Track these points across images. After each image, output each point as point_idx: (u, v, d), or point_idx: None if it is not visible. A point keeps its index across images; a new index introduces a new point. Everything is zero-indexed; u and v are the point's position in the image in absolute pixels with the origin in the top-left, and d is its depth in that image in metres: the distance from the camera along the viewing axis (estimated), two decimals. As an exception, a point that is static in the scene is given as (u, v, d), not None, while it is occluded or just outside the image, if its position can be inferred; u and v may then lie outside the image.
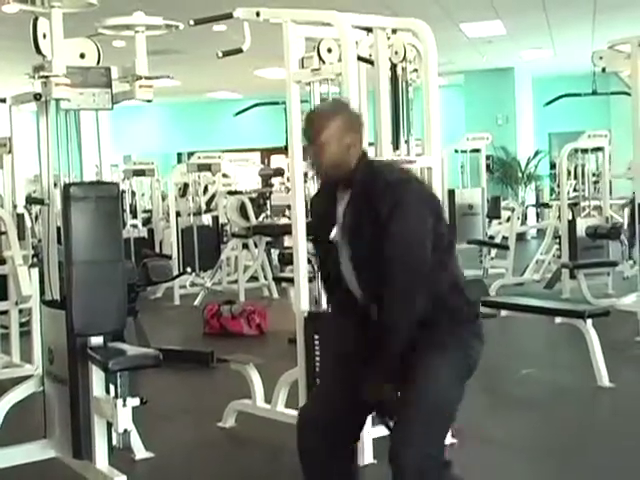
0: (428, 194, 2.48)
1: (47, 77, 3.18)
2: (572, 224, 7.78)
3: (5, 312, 5.38)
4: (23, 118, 3.88)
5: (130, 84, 3.41)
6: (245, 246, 8.92)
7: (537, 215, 15.03)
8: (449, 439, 2.40)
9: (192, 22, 3.82)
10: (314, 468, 2.52)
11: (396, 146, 4.07)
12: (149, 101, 3.38)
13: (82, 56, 3.39)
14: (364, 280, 2.42)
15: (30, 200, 4.82)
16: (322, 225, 2.51)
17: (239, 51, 3.86)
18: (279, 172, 11.21)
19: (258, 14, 3.70)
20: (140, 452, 3.76)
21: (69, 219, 3.25)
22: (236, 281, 8.67)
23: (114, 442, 3.33)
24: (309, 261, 4.05)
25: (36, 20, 3.32)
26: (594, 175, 9.60)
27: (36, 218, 8.15)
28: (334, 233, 2.46)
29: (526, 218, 13.66)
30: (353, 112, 2.50)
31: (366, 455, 3.49)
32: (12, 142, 3.95)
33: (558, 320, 4.96)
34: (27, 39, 3.40)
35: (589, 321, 4.78)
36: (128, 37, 3.49)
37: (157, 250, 9.24)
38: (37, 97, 3.29)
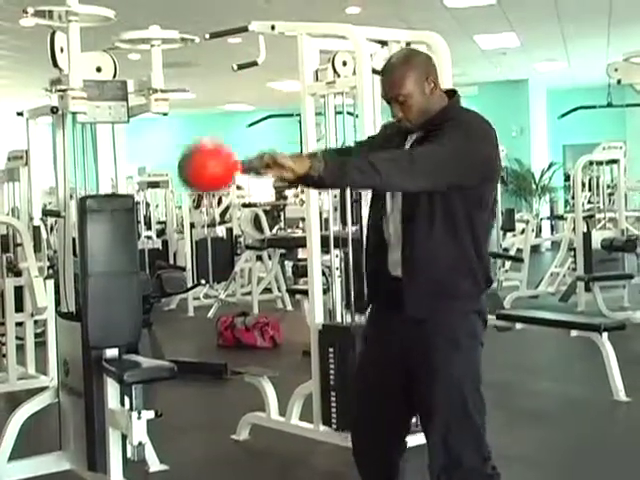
0: (498, 157, 2.44)
1: (64, 91, 3.20)
2: (587, 236, 7.74)
3: (21, 324, 5.39)
4: (39, 130, 3.91)
5: (146, 97, 3.43)
6: (259, 258, 8.92)
7: (551, 227, 14.97)
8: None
9: (207, 36, 3.84)
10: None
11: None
12: (165, 114, 3.39)
13: (99, 70, 3.41)
14: (410, 234, 2.38)
15: (46, 212, 4.83)
16: (382, 145, 2.47)
17: (254, 64, 3.88)
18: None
19: (273, 27, 3.72)
20: (154, 465, 3.76)
21: (85, 231, 3.27)
22: (250, 293, 8.67)
23: (129, 454, 3.33)
24: (323, 273, 4.05)
25: (53, 34, 3.35)
26: (609, 187, 9.56)
27: (51, 230, 8.19)
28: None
29: (540, 230, 13.61)
30: (426, 56, 2.49)
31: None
32: (29, 155, 3.97)
33: (574, 333, 4.93)
34: (44, 52, 3.43)
35: (605, 334, 4.75)
36: (143, 50, 3.51)
37: (171, 262, 9.25)
38: (54, 110, 3.31)
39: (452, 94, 2.46)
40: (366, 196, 3.49)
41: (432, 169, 2.27)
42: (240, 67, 3.91)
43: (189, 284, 7.92)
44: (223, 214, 9.94)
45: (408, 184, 2.28)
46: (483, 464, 2.39)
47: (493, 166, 2.43)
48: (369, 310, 2.66)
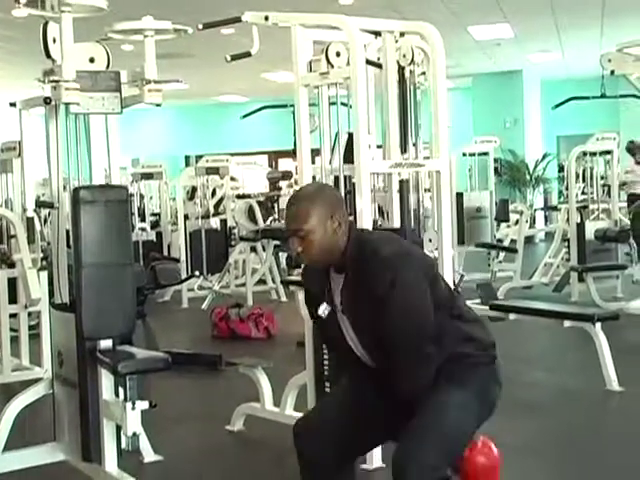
0: (419, 259, 2.44)
1: (57, 81, 3.19)
2: (581, 227, 7.76)
3: (14, 315, 5.39)
4: (32, 121, 3.90)
5: (139, 88, 3.42)
6: (253, 249, 8.92)
7: (545, 218, 14.99)
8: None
9: (201, 26, 3.84)
10: (314, 473, 2.51)
11: (404, 149, 4.07)
12: (158, 105, 3.39)
13: (92, 60, 3.41)
14: (373, 355, 2.42)
15: (39, 203, 4.82)
16: (315, 304, 2.49)
17: (247, 55, 3.87)
18: (287, 175, 11.21)
19: (267, 18, 3.71)
20: (149, 455, 3.77)
21: (78, 222, 3.26)
22: (244, 284, 8.68)
23: (123, 445, 3.34)
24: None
25: (46, 25, 3.34)
26: (602, 178, 9.57)
27: (45, 221, 8.17)
28: (322, 309, 2.45)
29: (534, 221, 13.63)
30: (331, 192, 2.50)
31: (375, 459, 3.49)
32: (22, 146, 3.96)
33: (567, 324, 4.95)
34: (36, 43, 3.41)
35: (598, 325, 4.77)
36: (136, 41, 3.50)
37: (165, 253, 9.25)
38: (47, 101, 3.30)
39: (350, 231, 2.42)
40: (359, 187, 3.50)
41: (419, 348, 2.31)
42: (233, 58, 3.90)
43: (183, 275, 7.92)
44: (217, 205, 9.93)
45: (432, 365, 2.34)
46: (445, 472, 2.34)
47: (433, 270, 2.44)
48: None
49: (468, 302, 5.76)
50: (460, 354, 2.39)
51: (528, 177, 15.05)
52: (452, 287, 2.56)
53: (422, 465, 2.25)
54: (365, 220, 3.46)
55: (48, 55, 3.35)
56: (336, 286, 2.42)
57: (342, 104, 4.01)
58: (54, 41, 3.33)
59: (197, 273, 8.33)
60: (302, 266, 2.63)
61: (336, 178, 3.94)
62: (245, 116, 13.32)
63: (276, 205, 10.52)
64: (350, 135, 3.72)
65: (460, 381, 2.37)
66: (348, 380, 2.61)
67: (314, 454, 2.47)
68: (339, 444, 2.46)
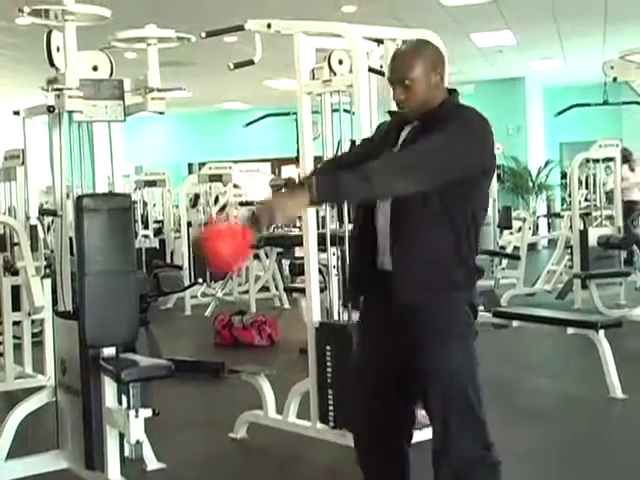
0: (493, 157, 2.46)
1: (60, 90, 3.21)
2: (584, 234, 7.75)
3: (18, 323, 5.39)
4: (36, 129, 3.91)
5: (142, 96, 3.43)
6: (256, 257, 8.92)
7: (548, 225, 14.99)
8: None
9: (204, 34, 3.84)
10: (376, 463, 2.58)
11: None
12: (161, 113, 3.40)
13: (95, 68, 3.41)
14: (400, 223, 2.39)
15: (43, 211, 4.84)
16: (378, 144, 2.50)
17: (250, 63, 3.88)
18: (289, 183, 11.20)
19: (269, 26, 3.72)
20: (152, 463, 3.76)
21: (82, 230, 3.27)
22: (247, 291, 8.68)
23: (126, 453, 3.35)
24: (320, 272, 4.06)
25: (50, 33, 3.35)
26: (605, 184, 9.57)
27: (48, 229, 8.18)
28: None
29: (537, 228, 13.63)
30: (437, 50, 2.52)
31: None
32: (25, 154, 3.97)
33: (570, 331, 4.94)
34: (39, 51, 3.43)
35: (601, 332, 4.76)
36: (139, 49, 3.51)
37: (168, 260, 9.26)
38: (51, 109, 3.31)
39: (452, 92, 2.49)
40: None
41: (428, 170, 2.29)
42: (236, 66, 3.91)
43: (186, 283, 7.93)
44: (220, 213, 9.94)
45: (406, 187, 2.29)
46: (484, 453, 2.40)
47: (488, 162, 2.45)
48: (360, 308, 2.67)
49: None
50: (447, 274, 2.40)
51: (531, 184, 15.05)
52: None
53: (457, 456, 2.36)
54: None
55: (52, 63, 3.37)
56: (404, 134, 2.46)
57: (345, 111, 4.02)
58: (58, 50, 3.34)
59: (200, 280, 8.34)
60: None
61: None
62: (248, 124, 13.35)
63: (279, 212, 10.50)
64: (353, 142, 3.72)
65: (450, 334, 2.39)
66: (361, 348, 2.63)
67: (377, 464, 2.56)
68: (388, 440, 2.53)
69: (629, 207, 9.99)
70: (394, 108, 2.54)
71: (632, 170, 10.52)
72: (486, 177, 2.45)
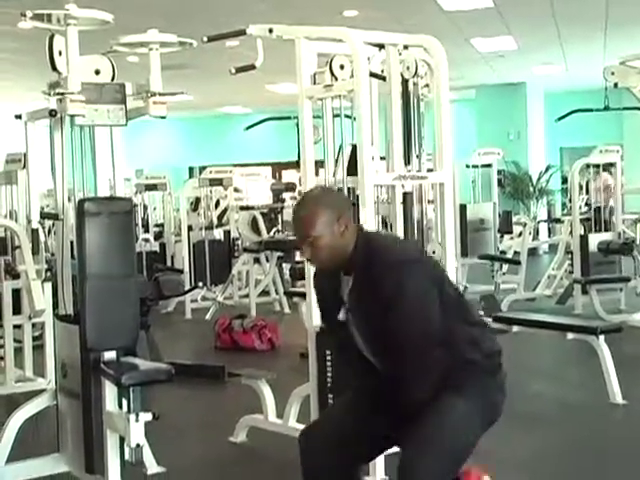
0: (427, 263, 2.45)
1: (63, 94, 3.21)
2: (584, 239, 7.75)
3: (19, 326, 5.40)
4: (37, 133, 3.91)
5: (144, 100, 3.44)
6: (256, 260, 8.93)
7: (549, 230, 14.98)
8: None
9: (205, 39, 3.85)
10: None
11: (407, 161, 4.08)
12: (163, 117, 3.40)
13: (97, 73, 3.42)
14: (378, 358, 2.42)
15: (44, 215, 4.84)
16: (329, 307, 2.51)
17: (252, 67, 3.89)
18: (291, 187, 11.24)
19: (271, 31, 3.73)
20: (152, 467, 3.77)
21: (83, 234, 3.27)
22: (247, 295, 8.68)
23: (126, 457, 3.34)
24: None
25: (52, 37, 3.36)
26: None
27: (49, 232, 8.19)
28: (341, 315, 2.45)
29: (538, 233, 13.63)
30: (336, 195, 2.52)
31: (378, 471, 3.48)
32: (27, 158, 3.98)
33: (570, 336, 4.94)
34: (41, 55, 3.44)
35: (602, 337, 4.76)
36: (141, 53, 3.52)
37: (169, 264, 9.26)
38: (52, 113, 3.32)
39: (358, 233, 2.43)
40: (362, 199, 3.51)
41: (421, 355, 2.31)
42: (238, 70, 3.91)
43: (187, 287, 7.94)
44: (221, 217, 9.95)
45: (434, 372, 2.34)
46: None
47: (441, 276, 2.45)
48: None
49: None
50: (466, 360, 2.38)
51: (531, 189, 15.05)
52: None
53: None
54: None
55: (54, 67, 3.38)
56: (345, 288, 2.43)
57: (346, 116, 4.02)
58: (60, 54, 3.35)
59: (200, 284, 8.35)
60: (312, 272, 2.65)
61: (339, 190, 3.95)
62: (249, 128, 13.37)
63: (280, 216, 10.54)
64: (354, 147, 3.73)
65: (464, 390, 2.36)
66: (352, 388, 2.61)
67: (318, 463, 2.48)
68: (343, 452, 2.46)
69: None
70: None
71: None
72: (438, 284, 2.40)
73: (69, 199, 3.56)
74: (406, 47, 3.98)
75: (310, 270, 3.83)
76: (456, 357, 2.37)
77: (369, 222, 3.48)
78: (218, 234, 9.27)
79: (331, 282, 2.47)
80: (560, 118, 11.67)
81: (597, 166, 8.47)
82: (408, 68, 4.14)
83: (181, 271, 8.47)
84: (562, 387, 5.29)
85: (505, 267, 9.04)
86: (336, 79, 3.91)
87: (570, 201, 8.91)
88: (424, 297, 2.32)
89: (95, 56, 3.47)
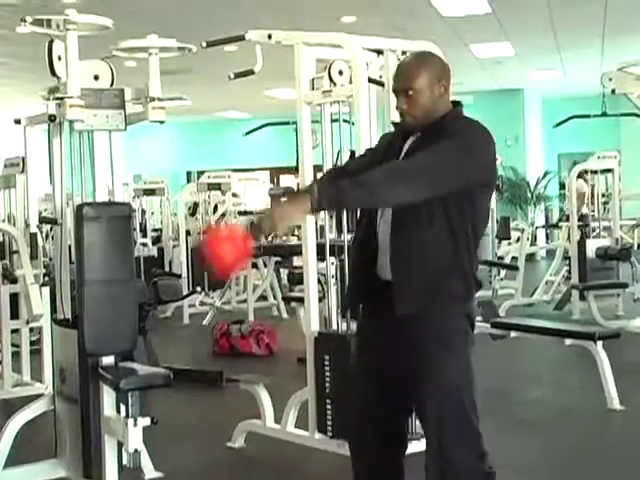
0: (494, 164, 2.48)
1: (62, 99, 3.22)
2: (582, 245, 7.76)
3: (16, 331, 5.39)
4: (36, 137, 3.92)
5: (143, 105, 3.44)
6: (254, 266, 8.92)
7: (546, 236, 15.00)
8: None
9: (204, 44, 3.86)
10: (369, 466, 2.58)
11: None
12: (162, 122, 3.41)
13: (96, 78, 3.43)
14: (401, 232, 2.39)
15: (43, 219, 4.84)
16: (382, 155, 2.50)
17: (251, 73, 3.90)
18: (289, 192, 11.23)
19: (270, 37, 3.74)
20: (150, 472, 3.76)
21: (81, 239, 3.27)
22: (245, 300, 8.67)
23: (124, 462, 3.33)
24: (319, 281, 4.06)
25: (51, 42, 3.37)
26: (603, 196, 9.60)
27: (47, 237, 8.18)
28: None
29: (535, 239, 13.65)
30: (442, 62, 2.52)
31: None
32: (26, 162, 3.98)
33: (568, 342, 4.94)
34: (40, 60, 3.44)
35: (600, 343, 4.77)
36: (139, 58, 3.53)
37: (167, 269, 9.26)
38: (52, 118, 3.32)
39: (456, 104, 2.50)
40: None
41: (428, 179, 2.30)
42: (237, 76, 3.93)
43: (184, 292, 7.92)
44: (219, 221, 9.95)
45: (406, 196, 2.30)
46: (478, 463, 2.41)
47: (488, 175, 2.46)
48: (359, 314, 2.66)
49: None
50: (447, 284, 2.40)
51: (529, 195, 15.08)
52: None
53: (454, 463, 2.38)
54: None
55: (53, 72, 3.38)
56: (408, 143, 2.46)
57: (344, 121, 4.03)
58: (59, 59, 3.35)
59: (198, 289, 8.34)
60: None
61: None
62: (248, 133, 13.37)
63: (277, 222, 10.51)
64: (352, 153, 3.74)
65: (447, 343, 2.40)
66: (359, 358, 2.62)
67: (366, 446, 2.55)
68: (383, 427, 2.52)
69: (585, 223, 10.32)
70: (398, 119, 2.55)
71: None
72: (486, 191, 2.46)
73: (67, 204, 3.56)
74: (405, 53, 3.98)
75: (308, 274, 3.84)
76: (444, 275, 2.40)
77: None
78: (216, 239, 9.25)
79: (397, 138, 2.49)
80: (558, 124, 11.70)
81: (595, 172, 8.49)
82: (406, 74, 4.13)
83: (179, 276, 8.47)
84: (560, 393, 5.29)
85: (503, 273, 9.05)
86: (335, 85, 3.92)
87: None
88: (471, 161, 2.34)
89: (94, 61, 3.48)
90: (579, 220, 9.06)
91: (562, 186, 14.98)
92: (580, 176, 8.55)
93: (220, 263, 2.35)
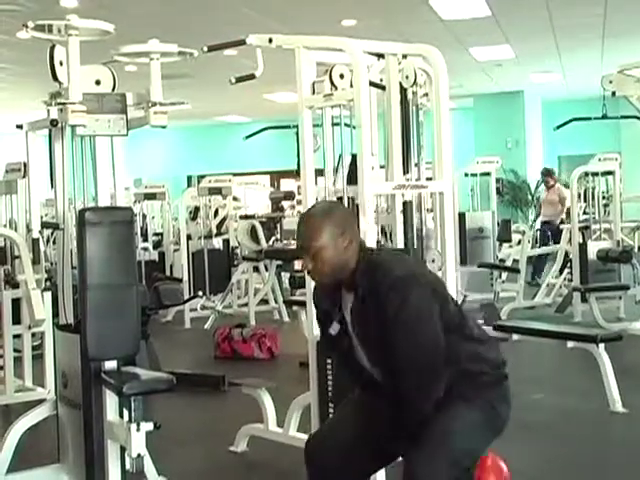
0: (429, 281, 2.43)
1: (64, 104, 3.22)
2: (583, 247, 7.76)
3: (18, 336, 5.39)
4: (36, 141, 3.91)
5: (145, 110, 3.45)
6: (256, 269, 8.93)
7: (547, 238, 14.99)
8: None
9: (206, 49, 3.86)
10: None
11: (406, 170, 4.09)
12: (164, 127, 3.41)
13: (98, 83, 3.43)
14: (382, 373, 2.43)
15: (45, 224, 4.84)
16: (327, 322, 2.50)
17: (252, 77, 3.90)
18: (289, 196, 11.25)
19: (271, 41, 3.74)
20: (153, 477, 3.74)
21: (84, 244, 3.27)
22: (247, 304, 8.68)
23: (127, 467, 3.33)
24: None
25: (53, 48, 3.37)
26: (604, 198, 9.60)
27: (48, 241, 8.18)
28: (333, 328, 2.45)
29: (536, 241, 13.65)
30: (343, 210, 2.53)
31: (379, 480, 3.47)
32: (28, 167, 3.98)
33: (570, 344, 4.94)
34: (40, 65, 3.44)
35: (602, 345, 4.77)
36: (140, 63, 3.53)
37: (168, 273, 9.26)
38: (54, 123, 3.32)
39: (361, 250, 2.43)
40: (362, 208, 3.52)
41: (426, 374, 2.32)
42: (238, 80, 3.92)
43: (186, 296, 7.93)
44: (219, 225, 9.95)
45: (440, 386, 2.34)
46: None
47: (443, 292, 2.45)
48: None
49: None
50: (471, 372, 2.39)
51: (530, 197, 15.07)
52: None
53: None
54: (369, 241, 3.47)
55: (55, 77, 3.38)
56: (346, 304, 2.43)
57: (345, 125, 4.03)
58: (61, 64, 3.36)
59: (200, 293, 8.34)
60: (313, 285, 2.63)
61: (339, 199, 3.96)
62: (248, 137, 13.39)
63: (278, 225, 10.55)
64: (354, 157, 3.74)
65: (469, 399, 2.37)
66: (355, 398, 2.60)
67: (324, 474, 2.50)
68: (347, 464, 2.47)
69: (548, 229, 10.43)
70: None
71: (547, 189, 11.01)
72: (440, 300, 2.41)
73: (69, 208, 3.56)
74: (405, 56, 3.99)
75: (310, 281, 3.84)
76: (459, 373, 2.37)
77: (369, 231, 3.49)
78: (217, 243, 9.27)
79: (331, 298, 2.46)
80: (559, 126, 11.71)
81: (595, 174, 8.49)
82: (407, 77, 4.15)
83: (180, 280, 8.47)
84: (562, 395, 5.28)
85: (504, 275, 9.05)
86: (336, 88, 3.92)
87: (569, 209, 8.92)
88: (428, 313, 2.32)
89: (96, 66, 3.48)
90: (556, 227, 9.15)
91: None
92: (557, 183, 8.60)
93: None
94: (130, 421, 3.14)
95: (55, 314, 3.86)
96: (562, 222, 11.04)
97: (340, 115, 4.00)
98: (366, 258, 2.40)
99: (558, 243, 9.65)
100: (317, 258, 2.35)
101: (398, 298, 2.27)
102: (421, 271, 2.49)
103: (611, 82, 7.13)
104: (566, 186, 10.04)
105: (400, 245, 4.01)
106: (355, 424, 2.52)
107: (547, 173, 11.62)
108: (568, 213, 10.03)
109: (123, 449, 3.29)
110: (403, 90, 4.14)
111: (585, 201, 9.34)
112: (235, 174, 10.91)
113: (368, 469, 2.58)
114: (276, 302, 8.84)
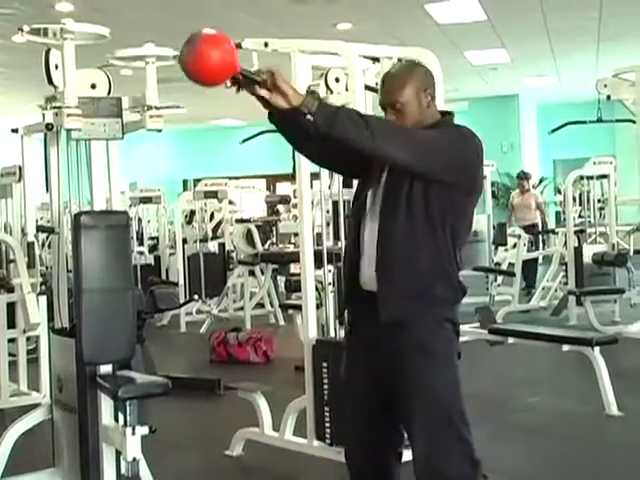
0: (479, 172, 2.47)
1: (59, 108, 3.22)
2: (578, 251, 7.78)
3: (13, 340, 5.38)
4: (31, 145, 3.91)
5: (140, 114, 3.45)
6: (251, 273, 8.92)
7: (543, 242, 15.01)
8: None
9: (202, 53, 3.86)
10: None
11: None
12: (159, 131, 3.41)
13: (93, 86, 3.43)
14: (386, 234, 2.38)
15: (40, 228, 4.83)
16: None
17: (247, 81, 3.89)
18: (285, 199, 11.26)
19: (266, 44, 3.75)
20: (148, 481, 3.75)
21: (79, 247, 3.27)
22: (242, 308, 8.67)
23: (122, 471, 3.32)
24: (316, 288, 4.07)
25: (48, 52, 3.37)
26: (599, 201, 9.63)
27: (43, 245, 8.17)
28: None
29: (532, 244, 13.66)
30: (427, 70, 2.53)
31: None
32: (23, 171, 3.98)
33: (565, 348, 4.95)
34: (35, 69, 3.45)
35: (597, 349, 4.77)
36: (136, 67, 3.53)
37: (163, 277, 9.25)
38: (49, 127, 3.32)
39: (446, 113, 2.51)
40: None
41: (421, 147, 2.32)
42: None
43: (181, 300, 7.92)
44: (215, 229, 9.95)
45: (394, 152, 2.29)
46: (471, 471, 2.38)
47: (475, 175, 2.46)
48: (347, 320, 2.66)
49: (466, 326, 5.76)
50: (432, 288, 2.37)
51: (525, 201, 15.08)
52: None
53: (444, 473, 2.35)
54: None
55: (50, 81, 3.39)
56: None
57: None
58: (56, 67, 3.36)
59: (195, 297, 8.33)
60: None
61: (335, 202, 3.96)
62: (244, 141, 13.38)
63: (274, 229, 10.55)
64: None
65: (432, 353, 2.37)
66: (348, 375, 2.59)
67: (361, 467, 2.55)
68: (369, 446, 2.51)
69: (531, 232, 10.47)
70: None
71: (522, 193, 11.04)
72: (470, 197, 2.45)
73: (65, 212, 3.56)
74: (400, 60, 3.99)
75: (306, 282, 3.84)
76: (444, 275, 2.37)
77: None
78: (213, 247, 9.27)
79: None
80: (554, 130, 11.73)
81: (590, 177, 8.51)
82: (402, 81, 4.15)
83: (176, 284, 8.46)
84: (557, 398, 5.29)
85: (500, 279, 9.07)
86: (331, 92, 3.93)
87: (564, 213, 8.94)
88: (458, 164, 2.34)
89: (91, 70, 3.48)
90: (528, 231, 9.20)
91: (558, 192, 15.01)
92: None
93: (206, 64, 2.29)
94: (125, 425, 3.13)
95: (50, 318, 3.86)
96: (544, 227, 11.04)
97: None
98: (447, 121, 2.48)
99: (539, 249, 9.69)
100: (401, 112, 2.41)
101: (461, 137, 2.39)
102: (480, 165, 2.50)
103: (606, 86, 7.15)
104: (558, 190, 10.06)
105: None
106: (360, 406, 2.52)
107: (524, 177, 11.36)
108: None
109: (118, 453, 3.28)
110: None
111: (580, 205, 9.36)
112: (231, 178, 10.93)
113: (388, 433, 2.54)
114: (272, 306, 8.84)
